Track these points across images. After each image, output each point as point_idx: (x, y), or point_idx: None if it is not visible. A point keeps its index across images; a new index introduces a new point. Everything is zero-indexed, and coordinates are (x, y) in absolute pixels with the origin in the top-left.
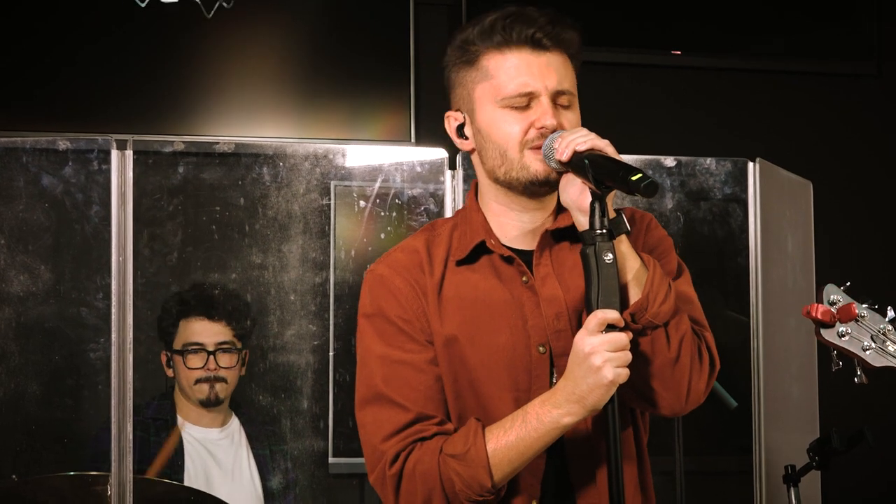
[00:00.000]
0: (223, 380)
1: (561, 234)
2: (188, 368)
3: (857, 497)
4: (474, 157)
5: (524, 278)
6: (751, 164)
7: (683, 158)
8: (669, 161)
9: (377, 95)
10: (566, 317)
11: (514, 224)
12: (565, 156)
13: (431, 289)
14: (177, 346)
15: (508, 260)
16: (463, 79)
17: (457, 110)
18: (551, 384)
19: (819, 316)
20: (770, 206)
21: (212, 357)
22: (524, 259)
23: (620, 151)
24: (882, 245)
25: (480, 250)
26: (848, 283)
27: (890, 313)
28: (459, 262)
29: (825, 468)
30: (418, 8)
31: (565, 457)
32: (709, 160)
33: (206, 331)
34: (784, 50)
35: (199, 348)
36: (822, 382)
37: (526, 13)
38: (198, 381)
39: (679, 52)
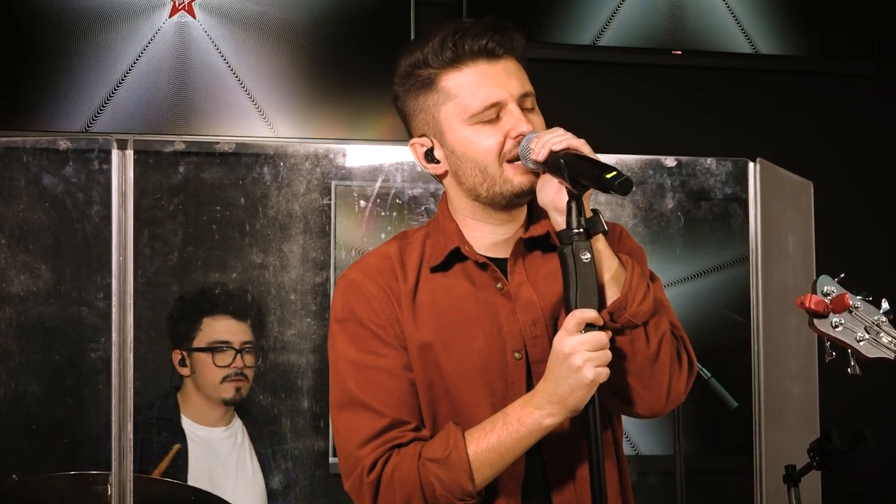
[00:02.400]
0: (247, 378)
1: (533, 243)
2: (217, 367)
3: (858, 497)
4: (447, 180)
5: (499, 285)
6: (751, 164)
7: (684, 158)
8: (670, 161)
9: (378, 95)
10: (543, 323)
11: (486, 236)
12: (541, 156)
13: (405, 295)
14: (200, 343)
15: (483, 266)
16: (423, 104)
17: (421, 136)
18: (528, 391)
19: (812, 306)
20: (770, 206)
21: (239, 356)
22: (497, 267)
23: (621, 151)
24: (882, 245)
25: (454, 257)
26: (842, 275)
27: (885, 305)
28: (433, 269)
29: (825, 468)
30: (419, 7)
31: (543, 459)
32: (709, 160)
33: (232, 329)
34: (784, 50)
35: (228, 346)
36: (823, 382)
37: (471, 26)
38: (224, 379)
39: (679, 53)
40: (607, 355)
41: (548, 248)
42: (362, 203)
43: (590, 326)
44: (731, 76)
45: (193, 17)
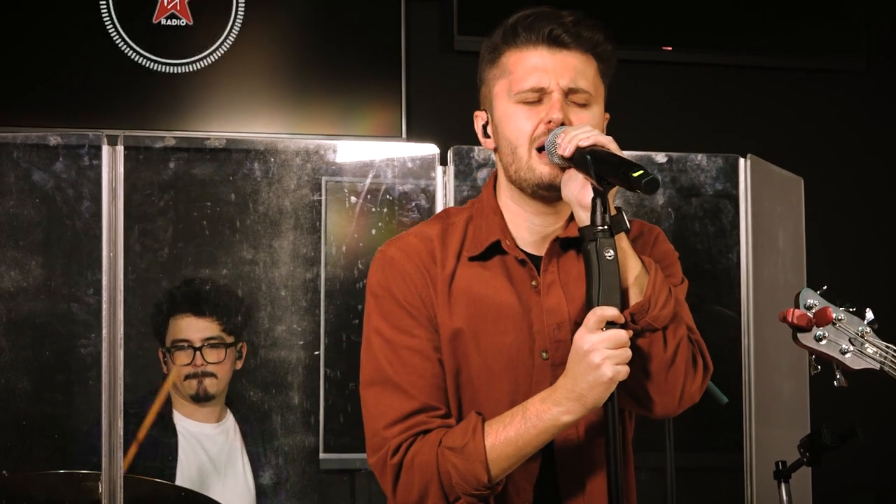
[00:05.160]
0: (212, 375)
1: (569, 242)
2: (176, 365)
3: (848, 493)
4: (496, 156)
5: (533, 283)
6: (742, 161)
7: (674, 154)
8: (660, 157)
9: (368, 91)
10: (567, 327)
11: (525, 226)
12: (567, 151)
13: (442, 280)
14: (167, 343)
15: (522, 262)
16: (487, 77)
17: (482, 109)
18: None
19: (795, 321)
20: (761, 202)
21: (198, 353)
22: (535, 265)
23: None
24: (873, 241)
25: (494, 249)
26: (825, 287)
27: (868, 315)
28: (472, 258)
29: (816, 464)
30: (409, 4)
31: (554, 461)
32: (700, 156)
33: (192, 327)
34: (774, 46)
35: (186, 345)
36: (813, 379)
37: (548, 12)
38: (187, 377)
39: (670, 49)
40: (627, 353)
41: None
42: (353, 199)
43: (611, 324)
44: (721, 72)
45: (184, 14)
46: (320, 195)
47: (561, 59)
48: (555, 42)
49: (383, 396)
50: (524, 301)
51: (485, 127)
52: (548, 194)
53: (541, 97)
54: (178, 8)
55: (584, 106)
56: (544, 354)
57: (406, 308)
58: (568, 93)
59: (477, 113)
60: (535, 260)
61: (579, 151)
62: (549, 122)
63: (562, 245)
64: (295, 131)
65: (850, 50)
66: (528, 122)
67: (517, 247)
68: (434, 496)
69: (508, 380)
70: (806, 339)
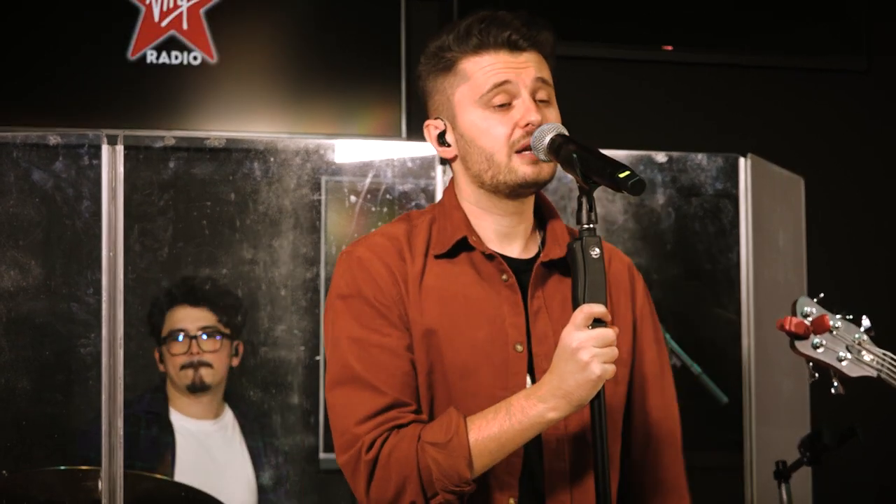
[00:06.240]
0: (208, 364)
1: (552, 264)
2: (172, 355)
3: (848, 493)
4: (456, 165)
5: (503, 276)
6: (742, 160)
7: (675, 154)
8: (661, 157)
9: (368, 91)
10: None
11: (490, 227)
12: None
13: (412, 278)
14: (163, 334)
15: (489, 257)
16: (440, 85)
17: (436, 118)
18: (530, 384)
19: (792, 328)
20: (761, 201)
21: (193, 342)
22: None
23: (612, 147)
24: (873, 241)
25: (461, 246)
26: (822, 295)
27: (865, 322)
28: (438, 256)
29: (816, 464)
30: (410, 4)
31: (542, 457)
32: (700, 156)
33: (188, 317)
34: (774, 46)
35: (182, 334)
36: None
37: (501, 17)
38: (182, 366)
39: (671, 48)
40: (614, 352)
41: (565, 271)
42: (352, 198)
43: (598, 322)
44: (721, 72)
45: (183, 13)
46: (320, 195)
47: (522, 61)
48: (513, 46)
49: (353, 394)
50: (495, 294)
51: (441, 136)
52: (528, 191)
53: (510, 100)
54: (176, 6)
55: (547, 102)
56: (518, 347)
57: (377, 307)
58: (535, 91)
59: (428, 123)
60: (503, 258)
61: (566, 150)
62: (527, 125)
63: (544, 265)
64: (295, 131)
65: (850, 49)
66: (502, 127)
67: (483, 243)
68: (412, 492)
69: (484, 374)
70: (803, 346)
